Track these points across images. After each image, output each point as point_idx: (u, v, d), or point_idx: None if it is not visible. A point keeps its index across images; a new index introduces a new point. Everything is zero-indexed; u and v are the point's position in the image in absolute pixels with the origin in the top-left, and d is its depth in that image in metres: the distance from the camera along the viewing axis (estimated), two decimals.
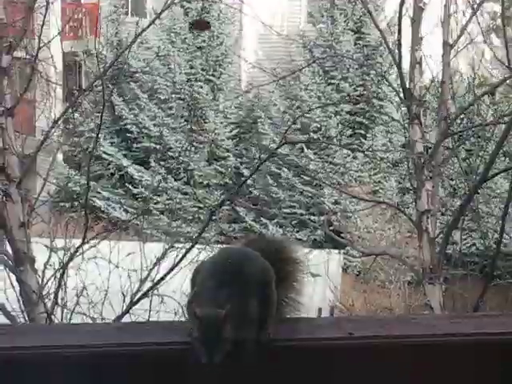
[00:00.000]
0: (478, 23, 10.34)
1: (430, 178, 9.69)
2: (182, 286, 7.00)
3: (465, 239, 18.94)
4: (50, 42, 7.22)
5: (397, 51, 9.89)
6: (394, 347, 1.93)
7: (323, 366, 1.91)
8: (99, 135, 7.85)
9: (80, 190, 23.45)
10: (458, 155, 12.19)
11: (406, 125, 10.42)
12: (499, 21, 10.03)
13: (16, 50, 7.20)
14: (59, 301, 6.49)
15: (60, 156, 23.64)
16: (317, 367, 1.90)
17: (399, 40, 9.82)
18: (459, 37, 10.62)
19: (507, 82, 9.29)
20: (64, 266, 6.46)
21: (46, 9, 7.00)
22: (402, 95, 10.34)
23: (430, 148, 9.87)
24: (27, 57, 7.69)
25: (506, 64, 9.28)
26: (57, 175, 23.84)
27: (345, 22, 22.60)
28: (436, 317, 4.05)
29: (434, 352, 1.92)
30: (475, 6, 10.71)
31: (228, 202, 20.20)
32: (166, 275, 6.84)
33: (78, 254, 6.69)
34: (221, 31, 23.80)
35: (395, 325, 2.05)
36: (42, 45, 7.07)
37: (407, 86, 9.99)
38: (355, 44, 22.51)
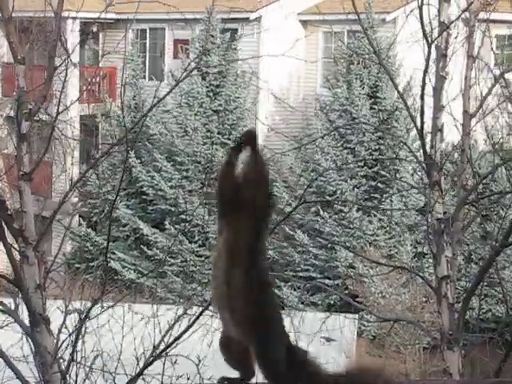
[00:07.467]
0: (503, 93, 10.29)
1: (450, 244, 9.62)
2: (194, 350, 6.99)
3: (481, 305, 18.80)
4: (69, 106, 7.29)
5: (418, 116, 9.71)
6: None
7: None
8: (116, 198, 7.90)
9: (94, 251, 23.50)
10: (474, 222, 12.14)
11: (425, 190, 10.34)
12: None
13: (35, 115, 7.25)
14: (74, 363, 6.47)
15: (76, 217, 23.73)
16: None
17: (422, 107, 9.60)
18: (479, 107, 10.55)
19: None
20: (78, 330, 6.44)
21: (66, 75, 7.08)
22: (421, 160, 10.24)
23: (445, 213, 9.80)
24: (45, 119, 7.74)
25: None
26: (73, 236, 23.92)
27: (360, 86, 22.76)
28: (445, 383, 4.00)
29: None
30: (497, 77, 10.71)
31: None
32: (176, 339, 6.81)
33: (92, 317, 6.67)
34: (237, 95, 24.01)
35: None
36: (61, 110, 7.13)
37: (428, 151, 9.85)
38: (371, 108, 22.64)
